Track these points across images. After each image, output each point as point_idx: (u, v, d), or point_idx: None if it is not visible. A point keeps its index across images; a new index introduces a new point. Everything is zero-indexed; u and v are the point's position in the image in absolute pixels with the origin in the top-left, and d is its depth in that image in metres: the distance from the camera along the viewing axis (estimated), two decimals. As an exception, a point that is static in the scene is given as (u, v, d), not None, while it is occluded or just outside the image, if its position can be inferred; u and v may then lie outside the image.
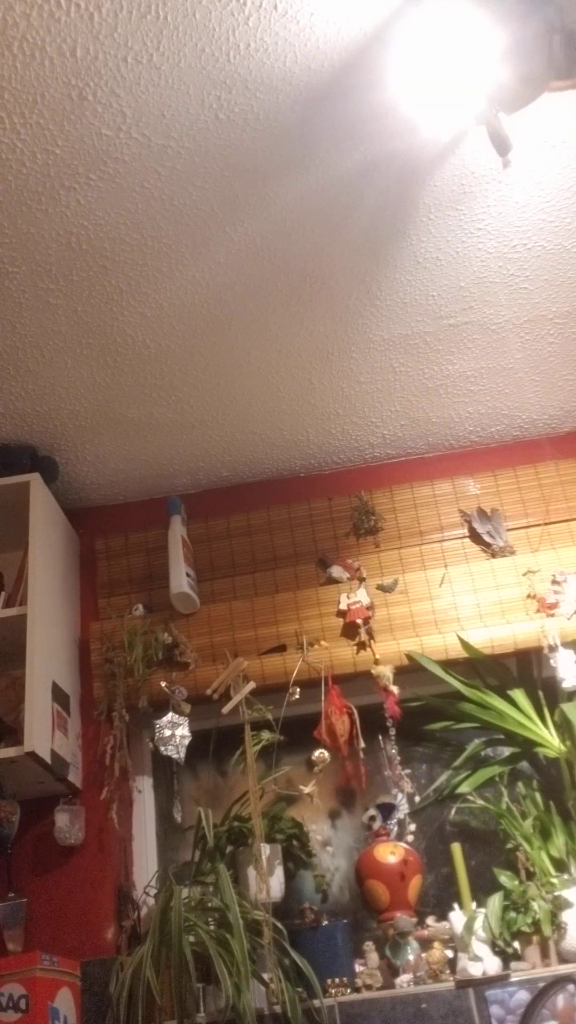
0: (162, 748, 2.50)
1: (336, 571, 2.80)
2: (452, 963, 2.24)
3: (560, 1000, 2.09)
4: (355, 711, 2.55)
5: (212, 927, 2.18)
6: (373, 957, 2.31)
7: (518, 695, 2.59)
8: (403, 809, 2.51)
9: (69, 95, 1.83)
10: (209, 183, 2.06)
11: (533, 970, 2.21)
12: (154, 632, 2.68)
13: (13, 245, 2.13)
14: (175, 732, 2.52)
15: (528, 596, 2.68)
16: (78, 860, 2.48)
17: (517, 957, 2.26)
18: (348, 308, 2.46)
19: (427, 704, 2.63)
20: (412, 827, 2.45)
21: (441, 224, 2.25)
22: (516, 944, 2.27)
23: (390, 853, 2.40)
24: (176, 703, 2.56)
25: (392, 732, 2.50)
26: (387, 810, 2.51)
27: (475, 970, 2.18)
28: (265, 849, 2.36)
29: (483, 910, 2.28)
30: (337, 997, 2.21)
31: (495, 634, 2.63)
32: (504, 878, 2.37)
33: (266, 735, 2.50)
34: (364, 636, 2.63)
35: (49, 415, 2.68)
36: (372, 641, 2.63)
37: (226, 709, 2.54)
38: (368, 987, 2.24)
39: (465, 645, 2.59)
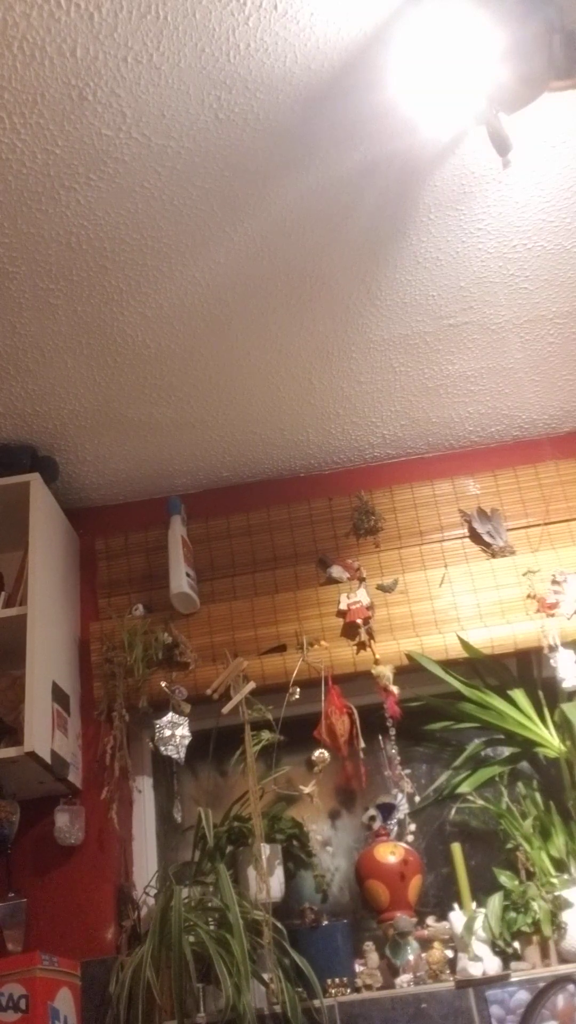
0: (162, 748, 2.50)
1: (336, 571, 2.80)
2: (452, 963, 2.24)
3: (560, 1000, 2.09)
4: (355, 711, 2.55)
5: (212, 927, 2.18)
6: (373, 957, 2.31)
7: (518, 695, 2.59)
8: (403, 809, 2.51)
9: (69, 95, 1.83)
10: (209, 183, 2.06)
11: (533, 970, 2.21)
12: (154, 632, 2.68)
13: (13, 245, 2.13)
14: (175, 732, 2.52)
15: (528, 596, 2.68)
16: (78, 860, 2.48)
17: (517, 957, 2.26)
18: (348, 308, 2.46)
19: (427, 704, 2.63)
20: (412, 827, 2.45)
21: (441, 224, 2.25)
22: (516, 944, 2.27)
23: (390, 853, 2.39)
24: (176, 703, 2.56)
25: (392, 732, 2.50)
26: (387, 810, 2.51)
27: (475, 970, 2.18)
28: (265, 849, 2.36)
29: (483, 910, 2.28)
30: (337, 997, 2.21)
31: (495, 634, 2.63)
32: (504, 878, 2.37)
33: (266, 735, 2.50)
34: (364, 636, 2.63)
35: (49, 415, 2.68)
36: (372, 641, 2.63)
37: (226, 709, 2.54)
38: (368, 987, 2.24)
39: (465, 645, 2.59)
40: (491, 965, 2.20)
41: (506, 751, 2.63)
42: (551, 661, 2.53)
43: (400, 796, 2.52)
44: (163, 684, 2.59)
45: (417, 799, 2.58)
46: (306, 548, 2.89)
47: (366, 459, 3.08)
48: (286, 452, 2.98)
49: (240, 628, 2.71)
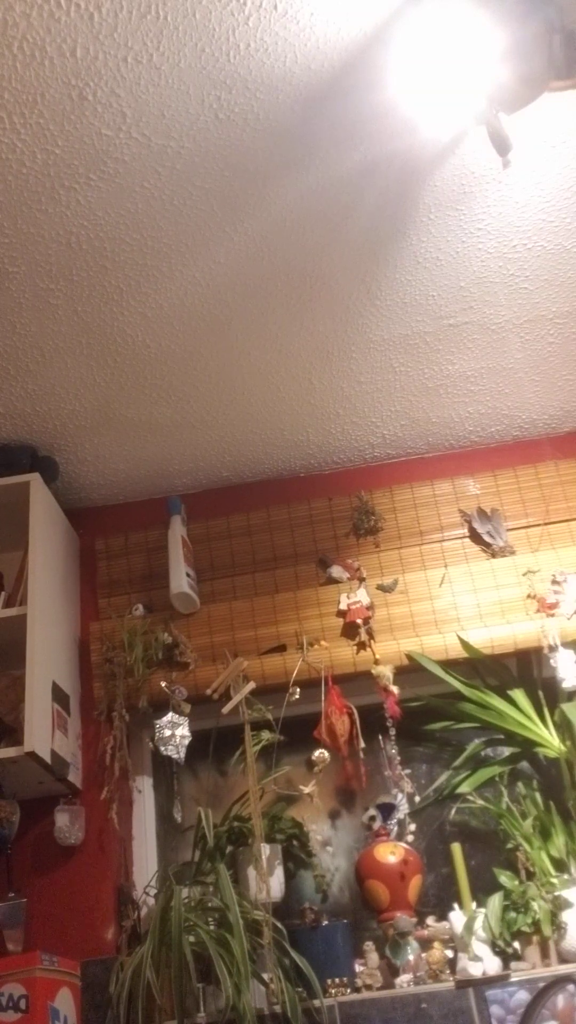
0: (162, 748, 2.50)
1: (336, 571, 2.80)
2: (452, 963, 2.24)
3: (560, 1000, 2.09)
4: (355, 711, 2.55)
5: (212, 927, 2.18)
6: (373, 957, 2.31)
7: (518, 695, 2.59)
8: (403, 809, 2.51)
9: (69, 95, 1.83)
10: (209, 183, 2.06)
11: (533, 970, 2.21)
12: (154, 632, 2.68)
13: (13, 245, 2.13)
14: (175, 732, 2.52)
15: (528, 596, 2.68)
16: (78, 860, 2.48)
17: (517, 957, 2.26)
18: (348, 308, 2.46)
19: (427, 704, 2.63)
20: (412, 827, 2.45)
21: (441, 224, 2.25)
22: (516, 944, 2.27)
23: (390, 853, 2.39)
24: (176, 703, 2.56)
25: (392, 732, 2.50)
26: (387, 810, 2.51)
27: (475, 970, 2.18)
28: (265, 849, 2.36)
29: (483, 910, 2.28)
30: (337, 997, 2.21)
31: (495, 634, 2.63)
32: (504, 878, 2.37)
33: (266, 735, 2.50)
34: (364, 636, 2.63)
35: (49, 415, 2.68)
36: (372, 641, 2.63)
37: (226, 709, 2.54)
38: (368, 987, 2.24)
39: (465, 645, 2.59)
40: (491, 965, 2.20)
41: (506, 751, 2.63)
42: (551, 661, 2.53)
43: (400, 796, 2.52)
44: (163, 684, 2.59)
45: (417, 799, 2.58)
46: (306, 548, 2.89)
47: (366, 459, 3.08)
48: (286, 452, 2.98)
49: (240, 628, 2.71)
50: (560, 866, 2.35)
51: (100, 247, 2.17)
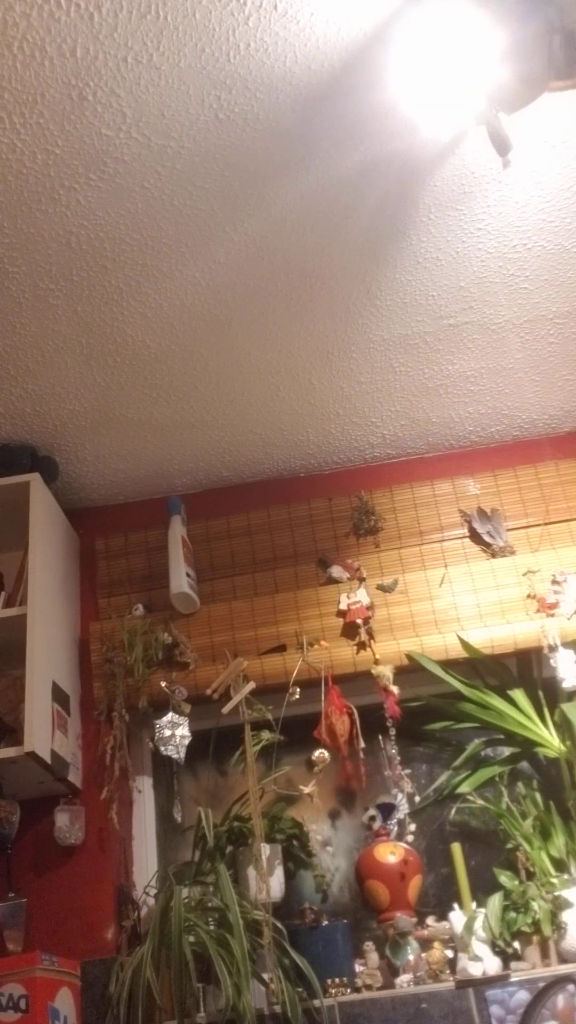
0: (162, 748, 2.50)
1: (336, 571, 2.80)
2: (452, 963, 2.24)
3: (560, 1000, 2.09)
4: (355, 711, 2.55)
5: (212, 927, 2.18)
6: (373, 957, 2.31)
7: (518, 695, 2.59)
8: (403, 809, 2.51)
9: (69, 95, 1.83)
10: (209, 183, 2.06)
11: (533, 970, 2.21)
12: (154, 632, 2.68)
13: (13, 245, 2.13)
14: (175, 732, 2.52)
15: (528, 596, 2.68)
16: (78, 860, 2.48)
17: (517, 957, 2.26)
18: (348, 308, 2.46)
19: (427, 704, 2.63)
20: (412, 827, 2.45)
21: (441, 224, 2.25)
22: (516, 944, 2.27)
23: (390, 853, 2.39)
24: (176, 703, 2.56)
25: (392, 732, 2.50)
26: (387, 810, 2.51)
27: (475, 970, 2.18)
28: (265, 849, 2.36)
29: (483, 910, 2.28)
30: (337, 997, 2.21)
31: (495, 634, 2.63)
32: (504, 878, 2.37)
33: (266, 735, 2.50)
34: (364, 636, 2.63)
35: (49, 415, 2.68)
36: (372, 641, 2.63)
37: (226, 709, 2.54)
38: (368, 987, 2.24)
39: (465, 645, 2.59)
40: (491, 965, 2.20)
41: (506, 751, 2.63)
42: (551, 661, 2.53)
43: (400, 796, 2.52)
44: (163, 684, 2.59)
45: (417, 799, 2.58)
46: (306, 548, 2.89)
47: (366, 459, 3.08)
48: (286, 452, 2.98)
49: (240, 628, 2.71)
50: (560, 866, 2.35)
51: (100, 247, 2.17)
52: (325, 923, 2.35)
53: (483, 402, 2.88)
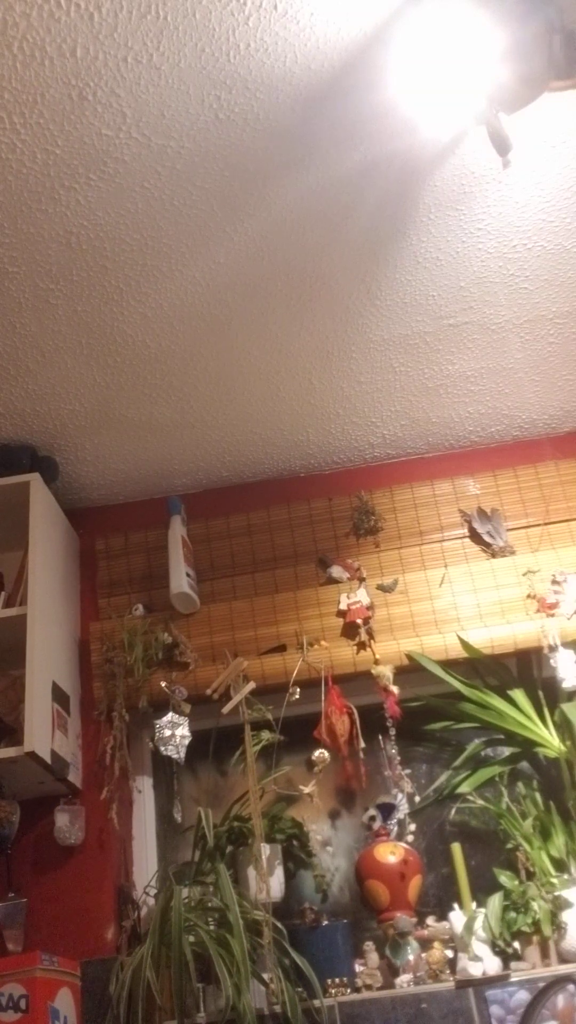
0: (162, 748, 2.50)
1: (336, 571, 2.80)
2: (452, 963, 2.24)
3: (560, 1000, 2.09)
4: (355, 711, 2.55)
5: (212, 927, 2.18)
6: (373, 957, 2.31)
7: (518, 695, 2.59)
8: (403, 809, 2.51)
9: (69, 95, 1.83)
10: (209, 183, 2.06)
11: (533, 970, 2.21)
12: (154, 632, 2.68)
13: (13, 245, 2.14)
14: (175, 732, 2.52)
15: (528, 596, 2.68)
16: (78, 860, 2.48)
17: (517, 957, 2.26)
18: (348, 308, 2.46)
19: (427, 704, 2.63)
20: (412, 827, 2.45)
21: (441, 224, 2.25)
22: (516, 944, 2.27)
23: (390, 853, 2.39)
24: (176, 703, 2.56)
25: (392, 732, 2.50)
26: (387, 810, 2.51)
27: (475, 970, 2.18)
28: (265, 849, 2.36)
29: (483, 910, 2.28)
30: (337, 997, 2.21)
31: (495, 634, 2.63)
32: (504, 878, 2.37)
33: (266, 735, 2.50)
34: (364, 636, 2.63)
35: (49, 415, 2.68)
36: (372, 641, 2.63)
37: (226, 709, 2.54)
38: (368, 987, 2.24)
39: (465, 645, 2.59)
40: (491, 965, 2.20)
41: (506, 751, 2.63)
42: (551, 661, 2.53)
43: (400, 796, 2.52)
44: (163, 684, 2.59)
45: (417, 799, 2.58)
46: (306, 548, 2.89)
47: (366, 459, 3.08)
48: (286, 452, 2.98)
49: (240, 628, 2.71)
50: (560, 866, 2.35)
51: (100, 247, 2.17)
52: (325, 923, 2.35)
53: (483, 402, 2.88)
